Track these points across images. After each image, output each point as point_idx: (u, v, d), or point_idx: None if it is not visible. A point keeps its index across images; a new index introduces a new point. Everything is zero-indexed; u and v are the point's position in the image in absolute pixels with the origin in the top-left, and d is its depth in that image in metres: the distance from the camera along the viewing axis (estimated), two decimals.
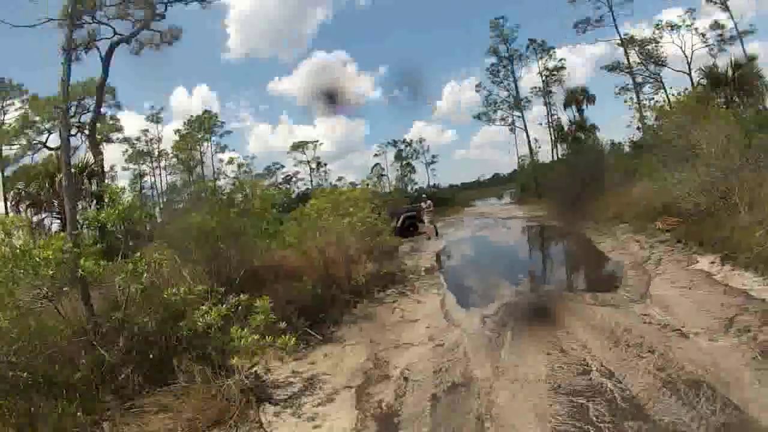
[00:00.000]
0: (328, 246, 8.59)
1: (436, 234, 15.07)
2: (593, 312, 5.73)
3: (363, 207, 9.66)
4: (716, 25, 23.87)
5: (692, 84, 24.69)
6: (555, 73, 28.26)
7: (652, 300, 5.82)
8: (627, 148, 25.17)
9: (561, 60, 28.94)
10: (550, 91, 28.66)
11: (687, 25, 25.03)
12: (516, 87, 29.74)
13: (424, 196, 18.66)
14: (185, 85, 68.31)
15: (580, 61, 49.61)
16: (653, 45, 25.09)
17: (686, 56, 25.25)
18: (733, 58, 20.39)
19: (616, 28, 25.68)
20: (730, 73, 18.86)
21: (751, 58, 22.44)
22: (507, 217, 20.80)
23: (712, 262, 6.47)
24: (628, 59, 25.32)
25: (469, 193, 44.49)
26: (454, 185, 44.13)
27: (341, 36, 57.12)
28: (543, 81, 28.71)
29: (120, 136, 29.73)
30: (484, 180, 53.92)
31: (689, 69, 25.38)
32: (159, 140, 33.28)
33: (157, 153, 32.52)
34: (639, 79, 25.08)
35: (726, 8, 23.06)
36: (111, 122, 27.94)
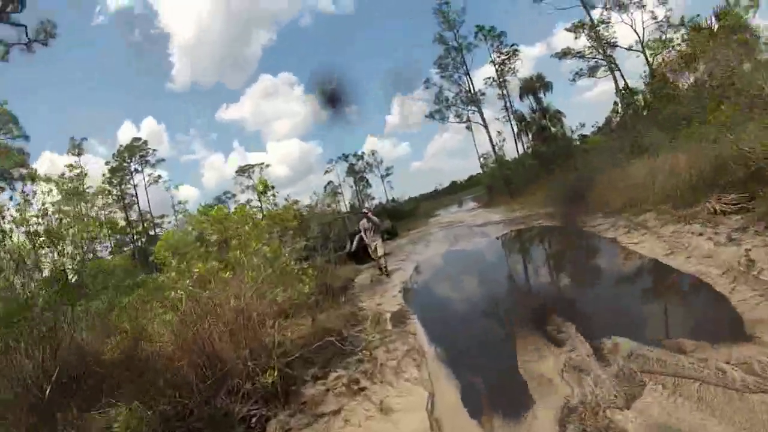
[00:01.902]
0: (203, 317, 4.62)
1: (386, 271, 10.19)
2: None
3: (262, 239, 5.51)
4: None
5: (647, 61, 23.48)
6: (508, 60, 26.05)
7: None
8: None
9: (513, 45, 26.92)
10: (506, 80, 26.39)
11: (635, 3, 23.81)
12: (469, 78, 27.28)
13: (364, 210, 12.82)
14: (133, 119, 63.50)
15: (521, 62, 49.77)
16: (603, 26, 23.53)
17: (637, 33, 24.04)
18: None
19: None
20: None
21: None
22: (481, 223, 17.56)
23: None
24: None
25: (429, 203, 42.05)
26: (413, 197, 41.63)
27: (286, 57, 55.61)
28: (497, 70, 26.41)
29: (23, 171, 24.38)
30: (442, 189, 52.19)
31: (642, 47, 24.16)
32: (85, 175, 29.38)
33: (82, 191, 28.16)
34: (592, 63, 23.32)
35: None
36: (18, 155, 22.94)
